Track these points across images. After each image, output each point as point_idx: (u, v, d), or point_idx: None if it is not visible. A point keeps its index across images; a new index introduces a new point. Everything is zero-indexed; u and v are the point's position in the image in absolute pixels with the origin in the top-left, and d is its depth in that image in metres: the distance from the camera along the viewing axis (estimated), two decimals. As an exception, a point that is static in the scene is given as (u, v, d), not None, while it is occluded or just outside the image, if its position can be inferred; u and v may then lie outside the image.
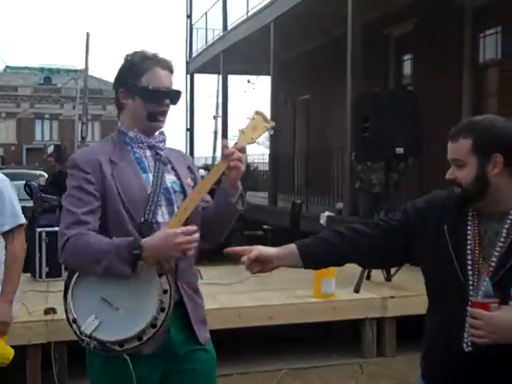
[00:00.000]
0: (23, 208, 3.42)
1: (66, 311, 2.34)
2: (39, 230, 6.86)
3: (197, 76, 21.58)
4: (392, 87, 12.98)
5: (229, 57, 16.98)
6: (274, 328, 5.60)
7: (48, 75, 52.04)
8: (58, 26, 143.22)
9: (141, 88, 2.44)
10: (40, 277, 6.68)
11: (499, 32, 10.64)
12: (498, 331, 2.00)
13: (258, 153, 20.35)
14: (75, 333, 2.32)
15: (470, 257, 2.14)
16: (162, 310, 2.28)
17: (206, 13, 19.99)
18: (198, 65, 20.13)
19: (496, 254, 2.09)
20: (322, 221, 10.47)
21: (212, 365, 2.53)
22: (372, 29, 12.13)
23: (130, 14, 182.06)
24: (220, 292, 6.14)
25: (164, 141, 2.55)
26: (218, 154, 19.69)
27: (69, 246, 2.29)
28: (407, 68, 13.34)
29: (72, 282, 2.34)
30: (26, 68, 53.41)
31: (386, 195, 7.41)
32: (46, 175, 12.06)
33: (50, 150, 9.48)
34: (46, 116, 50.53)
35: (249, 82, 21.11)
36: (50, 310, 5.08)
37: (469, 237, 2.16)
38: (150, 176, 2.43)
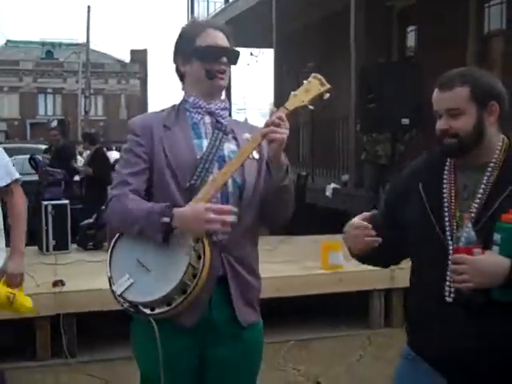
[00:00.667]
0: (29, 182, 3.50)
1: (107, 271, 2.37)
2: (45, 203, 6.88)
3: (199, 49, 21.38)
4: (395, 59, 12.89)
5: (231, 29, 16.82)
6: (281, 300, 5.61)
7: (50, 49, 51.66)
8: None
9: (195, 48, 2.39)
10: (47, 250, 6.72)
11: (504, 2, 10.53)
12: (481, 274, 1.97)
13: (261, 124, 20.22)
14: (112, 292, 2.31)
15: (446, 209, 2.13)
16: (195, 276, 2.20)
17: (207, -16, 19.80)
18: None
19: (477, 202, 2.09)
20: (328, 193, 10.45)
21: (254, 352, 2.44)
22: (375, 1, 12.01)
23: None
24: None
25: (226, 108, 2.48)
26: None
27: (110, 205, 2.34)
28: (411, 40, 13.24)
29: (113, 242, 2.38)
30: (28, 42, 53.05)
31: (392, 167, 7.40)
32: (44, 147, 12.01)
33: (54, 124, 9.48)
34: (49, 90, 50.20)
35: (251, 54, 20.86)
36: (58, 282, 5.12)
37: (445, 190, 2.16)
38: (205, 142, 2.38)
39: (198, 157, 2.33)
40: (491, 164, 2.13)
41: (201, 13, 20.36)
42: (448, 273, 2.06)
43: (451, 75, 2.16)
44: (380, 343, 5.55)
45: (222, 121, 2.45)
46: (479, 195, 2.10)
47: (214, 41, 2.40)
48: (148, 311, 2.23)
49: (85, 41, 35.16)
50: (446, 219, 2.13)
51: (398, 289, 5.84)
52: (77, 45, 46.58)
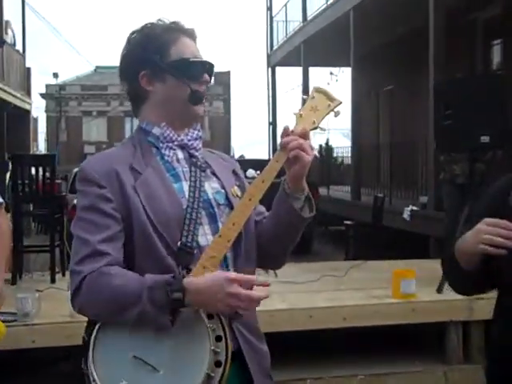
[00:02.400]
0: None
1: (88, 378, 1.79)
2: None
3: (279, 69, 21.38)
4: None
5: (309, 48, 16.67)
6: (348, 330, 5.27)
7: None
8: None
9: (173, 62, 1.90)
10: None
11: None
12: None
13: (343, 145, 19.96)
14: None
15: None
16: (218, 364, 1.72)
17: (285, 4, 19.80)
18: (279, 58, 19.92)
19: None
20: (406, 215, 10.07)
21: None
22: (456, 15, 11.55)
23: (211, 11, 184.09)
24: (292, 291, 5.86)
25: (200, 138, 1.99)
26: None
27: (85, 288, 1.75)
28: (496, 54, 12.67)
29: (92, 339, 1.78)
30: (115, 67, 54.43)
31: (472, 187, 6.92)
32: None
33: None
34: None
35: (331, 74, 20.66)
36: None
37: None
38: (185, 185, 1.90)
39: (184, 206, 1.86)
40: None
41: (280, 32, 20.32)
42: None
43: None
44: (457, 380, 5.13)
45: (197, 154, 1.97)
46: None
47: (193, 53, 1.95)
48: None
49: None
50: None
51: (478, 321, 5.37)
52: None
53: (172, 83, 1.92)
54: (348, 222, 12.11)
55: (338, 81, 20.96)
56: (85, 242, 1.78)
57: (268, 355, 2.00)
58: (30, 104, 19.35)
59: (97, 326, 1.78)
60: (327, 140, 26.28)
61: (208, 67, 1.97)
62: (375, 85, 17.32)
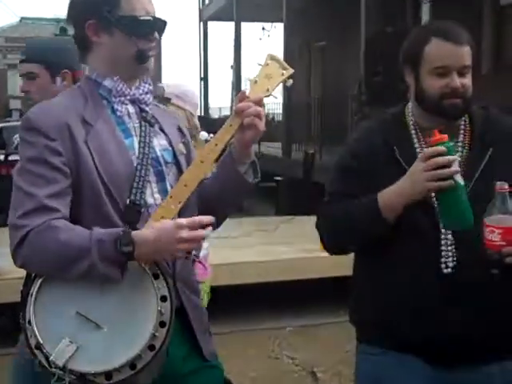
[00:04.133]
0: None
1: (26, 333, 1.73)
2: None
3: (212, 24, 21.11)
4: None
5: (242, 2, 16.47)
6: (279, 284, 5.33)
7: (63, 26, 51.45)
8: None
9: (123, 18, 1.82)
10: None
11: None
12: None
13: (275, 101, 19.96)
14: (40, 364, 1.71)
15: None
16: (162, 324, 1.72)
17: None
18: (212, 12, 19.65)
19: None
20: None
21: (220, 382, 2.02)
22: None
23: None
24: (225, 246, 5.87)
25: (150, 92, 1.94)
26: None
27: (29, 242, 1.69)
28: (425, 12, 12.79)
29: (33, 292, 1.72)
30: (42, 19, 52.75)
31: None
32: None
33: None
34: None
35: (263, 29, 20.51)
36: None
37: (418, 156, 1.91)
38: (135, 141, 1.85)
39: (135, 163, 1.82)
40: (462, 126, 2.02)
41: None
42: (443, 242, 1.92)
43: (458, 28, 1.96)
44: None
45: (147, 109, 1.93)
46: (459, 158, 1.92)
47: (145, 7, 1.86)
48: (103, 381, 1.70)
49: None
50: None
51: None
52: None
53: (119, 38, 1.85)
54: (278, 179, 12.22)
55: (269, 36, 20.87)
56: (30, 195, 1.71)
57: (205, 310, 2.05)
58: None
59: (39, 280, 1.73)
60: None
61: (159, 25, 1.91)
62: (307, 40, 17.31)
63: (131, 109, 1.91)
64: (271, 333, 5.09)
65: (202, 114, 19.44)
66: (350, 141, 2.19)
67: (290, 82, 1.93)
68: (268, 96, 1.90)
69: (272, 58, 1.91)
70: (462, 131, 2.02)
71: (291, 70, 1.91)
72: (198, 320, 1.94)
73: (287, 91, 13.95)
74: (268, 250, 5.59)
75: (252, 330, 5.15)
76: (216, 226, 2.07)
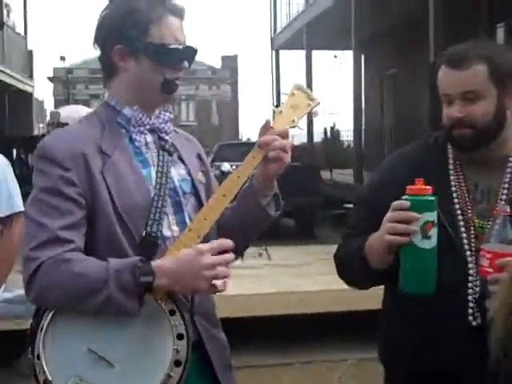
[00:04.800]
0: None
1: (35, 368, 1.66)
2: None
3: (283, 52, 21.23)
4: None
5: (312, 31, 16.51)
6: (339, 315, 5.21)
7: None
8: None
9: (152, 45, 1.75)
10: None
11: None
12: None
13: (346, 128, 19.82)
14: None
15: (460, 216, 1.76)
16: (178, 363, 1.65)
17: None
18: (283, 41, 19.77)
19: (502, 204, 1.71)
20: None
21: None
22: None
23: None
24: (283, 274, 5.80)
25: (170, 120, 1.85)
26: (315, 129, 18.98)
27: (42, 275, 1.62)
28: (500, 37, 12.49)
29: (43, 326, 1.64)
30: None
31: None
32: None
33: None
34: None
35: (335, 57, 20.50)
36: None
37: (454, 190, 1.77)
38: (153, 171, 1.78)
39: (152, 194, 1.75)
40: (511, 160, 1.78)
41: (283, 14, 20.13)
42: (470, 291, 1.73)
43: (463, 50, 1.75)
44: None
45: (167, 138, 1.85)
46: (503, 196, 1.75)
47: (175, 35, 1.78)
48: None
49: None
50: (462, 229, 1.76)
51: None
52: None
53: (146, 66, 1.78)
54: (348, 206, 12.04)
55: (341, 64, 20.79)
56: (43, 226, 1.65)
57: (227, 344, 1.94)
58: (32, 86, 19.28)
59: (50, 313, 1.66)
60: (334, 124, 26.13)
61: (189, 53, 1.83)
62: (379, 68, 17.17)
63: (149, 138, 1.84)
64: (331, 365, 4.99)
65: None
66: (377, 170, 2.05)
67: (317, 113, 1.86)
68: (293, 127, 1.82)
69: (298, 87, 1.85)
70: (510, 163, 1.79)
71: (318, 101, 1.84)
72: (217, 354, 1.85)
73: (358, 118, 13.84)
74: (325, 280, 5.50)
75: (309, 363, 5.06)
76: (238, 256, 1.98)
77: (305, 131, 14.76)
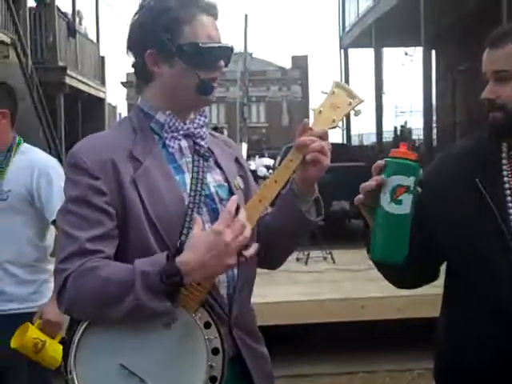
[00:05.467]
0: None
1: (67, 381, 1.62)
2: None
3: (352, 51, 21.01)
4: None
5: (381, 28, 16.22)
6: (404, 322, 5.04)
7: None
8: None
9: (185, 46, 1.67)
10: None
11: None
12: None
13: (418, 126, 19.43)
14: None
15: (510, 203, 1.65)
16: (213, 379, 1.58)
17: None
18: (351, 39, 19.55)
19: None
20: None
21: None
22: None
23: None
24: (347, 279, 5.67)
25: (206, 125, 1.78)
26: (385, 129, 18.63)
27: (70, 286, 1.57)
28: None
29: (75, 340, 1.59)
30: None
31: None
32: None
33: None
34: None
35: (406, 54, 20.05)
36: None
37: (507, 185, 1.67)
38: (187, 178, 1.71)
39: (186, 202, 1.67)
40: None
41: (352, 12, 19.89)
42: None
43: (501, 30, 1.71)
44: None
45: (202, 143, 1.76)
46: None
47: (210, 34, 1.70)
48: None
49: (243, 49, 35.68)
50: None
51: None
52: (237, 54, 47.69)
53: (180, 69, 1.69)
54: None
55: (412, 61, 20.39)
56: (72, 238, 1.59)
57: (268, 358, 1.84)
58: (104, 92, 19.63)
59: (83, 325, 1.59)
60: (405, 122, 25.70)
61: (225, 52, 1.74)
62: (450, 63, 16.73)
63: (184, 143, 1.75)
64: (396, 375, 4.84)
65: (345, 142, 19.22)
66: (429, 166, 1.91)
67: (360, 111, 1.73)
68: (334, 128, 1.71)
69: (338, 85, 1.72)
70: None
71: (360, 99, 1.72)
72: (257, 368, 1.76)
73: (428, 116, 13.52)
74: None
75: (377, 372, 4.91)
76: (276, 264, 1.93)
77: (374, 131, 14.60)
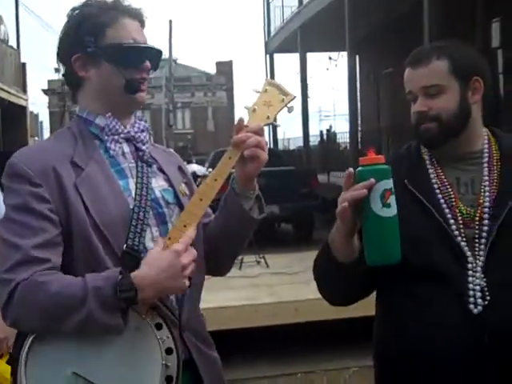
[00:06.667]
0: None
1: None
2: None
3: (278, 56, 21.17)
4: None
5: (306, 33, 16.41)
6: (339, 322, 5.09)
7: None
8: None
9: (109, 46, 1.70)
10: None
11: None
12: None
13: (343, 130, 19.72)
14: None
15: (443, 203, 1.76)
16: (169, 379, 1.57)
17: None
18: (277, 44, 19.71)
19: (487, 197, 1.76)
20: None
21: None
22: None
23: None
24: (281, 283, 5.68)
25: (147, 130, 1.79)
26: (310, 133, 18.80)
27: (18, 298, 1.52)
28: (495, 32, 12.38)
29: (24, 353, 1.56)
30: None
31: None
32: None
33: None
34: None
35: (330, 58, 20.36)
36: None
37: (435, 185, 1.78)
38: (131, 182, 1.71)
39: (131, 206, 1.66)
40: (486, 153, 1.82)
41: (277, 18, 20.07)
42: (470, 279, 1.71)
43: (425, 49, 1.89)
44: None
45: (144, 148, 1.77)
46: (485, 188, 1.77)
47: (132, 36, 1.73)
48: None
49: (167, 55, 35.50)
50: (450, 219, 1.75)
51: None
52: (162, 60, 47.31)
53: (106, 70, 1.72)
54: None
55: (337, 66, 20.71)
56: (15, 247, 1.55)
57: (219, 362, 1.85)
58: (25, 100, 19.18)
59: (30, 339, 1.56)
60: (330, 126, 26.08)
61: (150, 53, 1.76)
62: (374, 68, 17.08)
63: (126, 148, 1.76)
64: (334, 374, 4.88)
65: (271, 146, 19.34)
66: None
67: (293, 108, 1.78)
68: (268, 124, 1.75)
69: (270, 83, 1.76)
70: (485, 155, 1.82)
71: (292, 96, 1.76)
72: (208, 372, 1.76)
73: (353, 120, 13.73)
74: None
75: (315, 372, 4.94)
76: (226, 267, 1.95)
77: (301, 135, 14.79)
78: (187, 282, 1.57)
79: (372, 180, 1.60)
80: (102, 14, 1.73)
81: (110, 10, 1.74)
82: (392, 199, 1.62)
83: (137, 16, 1.77)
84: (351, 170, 1.63)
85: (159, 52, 1.79)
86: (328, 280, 1.81)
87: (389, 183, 1.62)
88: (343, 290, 1.83)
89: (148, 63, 1.74)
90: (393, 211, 1.62)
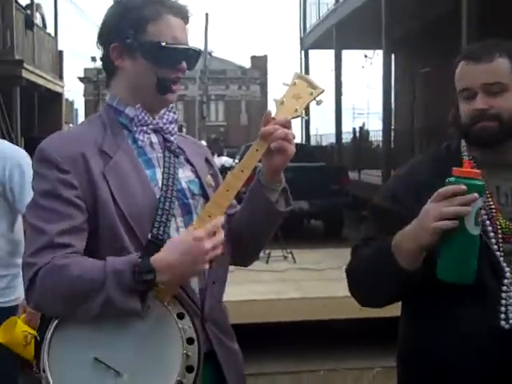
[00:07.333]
0: None
1: (41, 383, 1.60)
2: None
3: (312, 52, 21.12)
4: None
5: (342, 31, 16.34)
6: (364, 321, 5.07)
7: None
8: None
9: (147, 43, 1.70)
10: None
11: None
12: None
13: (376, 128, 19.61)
14: None
15: (483, 212, 1.67)
16: (190, 369, 1.57)
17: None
18: (312, 40, 19.65)
19: None
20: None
21: None
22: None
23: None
24: (309, 279, 5.67)
25: (175, 121, 1.80)
26: (343, 130, 18.75)
27: (39, 282, 1.55)
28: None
29: (47, 336, 1.57)
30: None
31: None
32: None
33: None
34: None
35: (366, 56, 20.24)
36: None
37: None
38: (158, 172, 1.72)
39: (158, 195, 1.68)
40: None
41: (313, 14, 20.00)
42: (504, 295, 1.68)
43: (485, 45, 1.74)
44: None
45: (172, 138, 1.78)
46: None
47: (174, 35, 1.72)
48: None
49: (203, 48, 35.62)
50: (491, 233, 1.69)
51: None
52: (197, 52, 47.49)
53: (141, 65, 1.72)
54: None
55: (372, 64, 20.58)
56: (41, 232, 1.58)
57: (240, 355, 1.86)
58: (61, 87, 19.34)
59: (54, 323, 1.59)
60: (363, 124, 25.91)
61: (188, 53, 1.76)
62: (410, 67, 16.94)
63: (154, 138, 1.77)
64: (357, 373, 4.86)
65: (304, 142, 19.30)
66: (391, 178, 1.96)
67: (322, 101, 1.77)
68: (296, 117, 1.73)
69: (299, 77, 1.76)
70: None
71: (321, 89, 1.75)
72: (230, 365, 1.77)
73: (387, 119, 13.65)
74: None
75: (338, 371, 4.92)
76: (250, 259, 1.96)
77: (333, 131, 14.73)
78: (206, 267, 1.56)
79: (476, 195, 1.54)
80: (146, 6, 1.72)
81: (155, 4, 1.73)
82: (481, 217, 1.59)
83: (181, 13, 1.76)
84: (464, 187, 1.54)
85: (198, 52, 1.78)
86: (376, 282, 1.75)
87: (482, 201, 1.58)
88: (386, 294, 1.79)
89: (184, 64, 1.74)
90: (479, 230, 1.58)
